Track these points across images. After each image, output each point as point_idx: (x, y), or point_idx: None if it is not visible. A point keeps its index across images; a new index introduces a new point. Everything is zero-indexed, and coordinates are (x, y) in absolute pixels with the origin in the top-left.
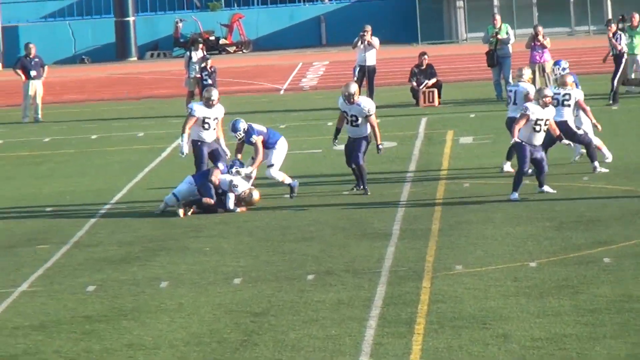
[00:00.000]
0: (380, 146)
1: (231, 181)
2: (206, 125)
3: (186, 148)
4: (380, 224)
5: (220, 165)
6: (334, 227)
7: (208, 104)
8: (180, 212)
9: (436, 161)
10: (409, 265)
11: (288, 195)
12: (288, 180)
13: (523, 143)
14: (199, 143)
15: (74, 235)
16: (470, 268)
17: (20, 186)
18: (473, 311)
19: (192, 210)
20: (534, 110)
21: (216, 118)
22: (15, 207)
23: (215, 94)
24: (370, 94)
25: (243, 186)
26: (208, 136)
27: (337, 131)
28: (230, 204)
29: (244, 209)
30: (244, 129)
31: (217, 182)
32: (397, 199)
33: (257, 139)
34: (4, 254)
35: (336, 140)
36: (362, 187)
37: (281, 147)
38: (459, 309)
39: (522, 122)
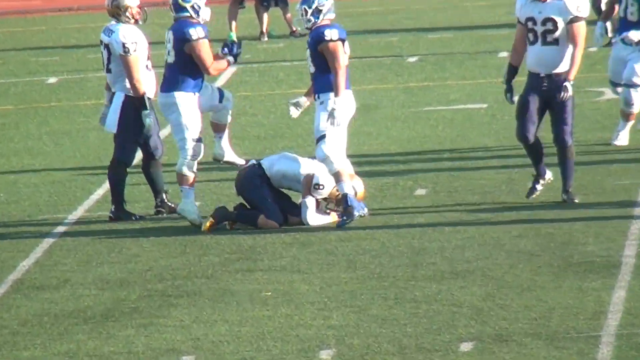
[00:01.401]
0: (567, 84)
1: (311, 177)
2: (148, 64)
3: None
4: (598, 247)
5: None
6: (510, 253)
7: (135, 17)
8: (206, 223)
9: None
10: None
11: (355, 213)
12: (349, 187)
13: None
14: (149, 100)
15: (14, 269)
16: None
17: None
18: None
19: (231, 225)
20: None
21: None
22: None
23: None
24: None
25: (330, 181)
26: (151, 82)
27: (513, 70)
28: (310, 216)
29: (335, 216)
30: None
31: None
32: (632, 198)
33: (337, 43)
34: None
35: (510, 93)
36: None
37: (345, 105)
38: None
39: None
